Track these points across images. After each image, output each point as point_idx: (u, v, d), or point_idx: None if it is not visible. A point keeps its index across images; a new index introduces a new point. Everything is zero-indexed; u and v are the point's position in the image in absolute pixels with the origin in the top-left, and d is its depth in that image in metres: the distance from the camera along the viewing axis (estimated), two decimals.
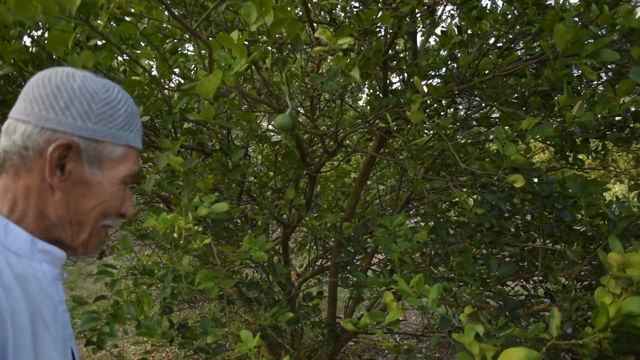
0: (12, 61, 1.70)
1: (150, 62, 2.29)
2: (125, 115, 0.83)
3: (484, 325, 1.70)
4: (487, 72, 2.30)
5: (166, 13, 2.19)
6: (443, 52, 3.06)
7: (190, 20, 1.82)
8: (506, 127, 2.26)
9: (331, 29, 1.65)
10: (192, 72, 2.71)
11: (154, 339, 1.81)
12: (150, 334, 1.77)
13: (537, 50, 2.54)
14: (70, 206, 0.80)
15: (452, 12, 3.60)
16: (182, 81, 2.71)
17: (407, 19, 1.99)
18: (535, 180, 2.42)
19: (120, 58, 2.29)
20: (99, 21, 1.48)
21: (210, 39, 1.79)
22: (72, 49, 1.57)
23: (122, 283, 2.03)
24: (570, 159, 2.76)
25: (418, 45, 2.59)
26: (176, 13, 2.25)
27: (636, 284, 1.32)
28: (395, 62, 2.60)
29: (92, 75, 0.83)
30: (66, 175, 0.79)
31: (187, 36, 2.48)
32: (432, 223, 2.61)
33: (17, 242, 0.77)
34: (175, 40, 2.07)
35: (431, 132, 3.18)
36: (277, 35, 2.00)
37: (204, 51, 1.55)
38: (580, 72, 2.82)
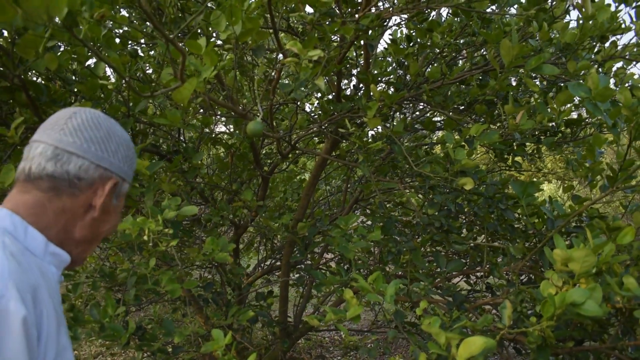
0: None
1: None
2: (135, 160, 1.03)
3: (440, 317, 1.82)
4: (434, 80, 2.44)
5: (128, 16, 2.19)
6: (389, 59, 3.19)
7: (169, 27, 1.84)
8: (454, 133, 2.41)
9: (298, 40, 1.72)
10: (143, 75, 2.70)
11: (119, 342, 1.82)
12: (117, 336, 1.78)
13: (478, 59, 2.71)
14: (94, 228, 0.95)
15: (397, 21, 3.74)
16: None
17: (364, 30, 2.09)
18: (478, 181, 2.58)
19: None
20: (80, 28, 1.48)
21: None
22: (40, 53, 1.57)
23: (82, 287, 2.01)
24: (509, 161, 2.96)
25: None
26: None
27: (577, 277, 1.47)
28: (346, 69, 2.70)
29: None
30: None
31: (142, 41, 2.48)
32: (382, 223, 2.72)
33: (34, 243, 0.87)
34: (135, 45, 2.08)
35: (377, 136, 3.30)
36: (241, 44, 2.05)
37: (178, 59, 1.58)
38: (515, 81, 3.03)
